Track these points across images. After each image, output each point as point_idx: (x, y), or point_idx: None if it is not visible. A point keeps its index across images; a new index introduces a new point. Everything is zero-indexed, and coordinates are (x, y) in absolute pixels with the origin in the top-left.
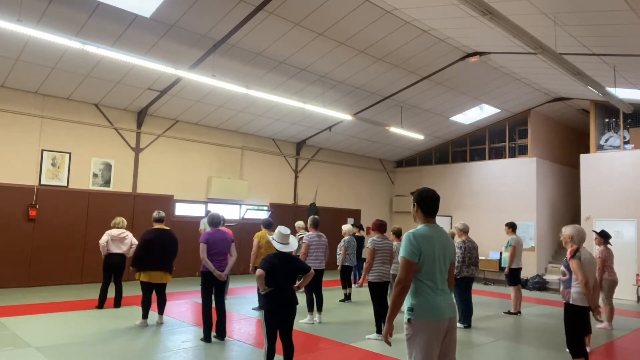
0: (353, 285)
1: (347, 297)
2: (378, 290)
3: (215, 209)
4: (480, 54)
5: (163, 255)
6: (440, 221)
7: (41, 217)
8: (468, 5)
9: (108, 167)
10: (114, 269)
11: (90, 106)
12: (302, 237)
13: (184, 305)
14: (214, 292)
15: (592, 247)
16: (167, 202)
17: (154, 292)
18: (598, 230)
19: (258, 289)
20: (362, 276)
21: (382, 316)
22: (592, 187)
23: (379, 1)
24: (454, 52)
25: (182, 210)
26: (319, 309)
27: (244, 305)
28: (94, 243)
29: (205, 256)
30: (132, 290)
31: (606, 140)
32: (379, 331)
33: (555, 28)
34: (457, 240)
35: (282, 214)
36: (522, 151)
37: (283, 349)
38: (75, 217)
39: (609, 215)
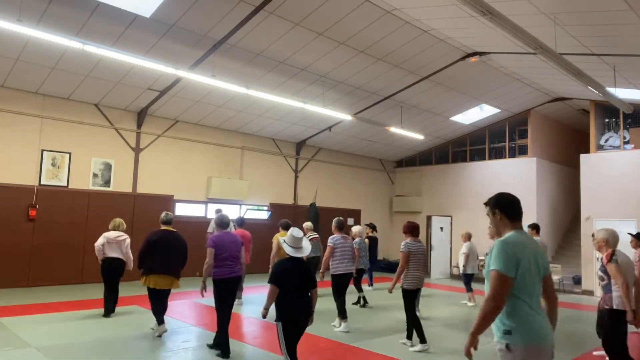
0: (368, 288)
1: (359, 301)
2: (411, 297)
3: (223, 209)
4: (480, 54)
5: (169, 259)
6: (441, 221)
7: (41, 217)
8: (468, 5)
9: (108, 167)
10: (111, 273)
11: (90, 106)
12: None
13: (184, 306)
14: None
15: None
16: (167, 202)
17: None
18: (634, 233)
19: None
20: (393, 281)
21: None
22: (592, 187)
23: (379, 1)
24: (454, 52)
25: (182, 210)
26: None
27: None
28: (94, 243)
29: (212, 262)
30: (133, 290)
31: (606, 140)
32: (409, 337)
33: (555, 28)
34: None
35: (282, 214)
36: (522, 151)
37: None
38: (75, 217)
39: (609, 215)
